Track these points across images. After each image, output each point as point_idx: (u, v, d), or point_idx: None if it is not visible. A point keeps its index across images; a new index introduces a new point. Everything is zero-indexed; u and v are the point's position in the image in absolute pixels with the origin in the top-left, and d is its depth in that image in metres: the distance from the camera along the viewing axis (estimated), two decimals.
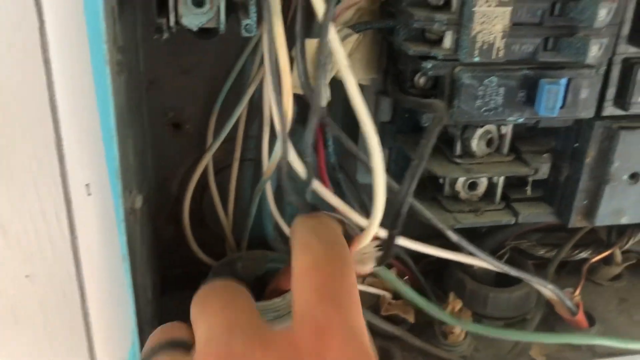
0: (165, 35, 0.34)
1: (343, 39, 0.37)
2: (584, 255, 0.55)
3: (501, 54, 0.34)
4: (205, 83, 0.45)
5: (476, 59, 0.34)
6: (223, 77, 0.45)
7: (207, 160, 0.47)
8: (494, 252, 0.52)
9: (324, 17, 0.27)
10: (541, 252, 0.54)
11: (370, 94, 0.42)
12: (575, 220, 0.42)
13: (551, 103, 0.35)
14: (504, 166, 0.40)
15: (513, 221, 0.42)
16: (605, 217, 0.41)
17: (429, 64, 0.35)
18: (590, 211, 0.41)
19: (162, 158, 0.47)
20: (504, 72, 0.35)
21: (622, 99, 0.38)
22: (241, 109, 0.45)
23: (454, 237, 0.39)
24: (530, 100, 0.36)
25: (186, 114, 0.46)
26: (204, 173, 0.47)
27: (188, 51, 0.44)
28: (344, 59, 0.28)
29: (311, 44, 0.36)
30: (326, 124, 0.32)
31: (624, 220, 0.41)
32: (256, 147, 0.47)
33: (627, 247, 0.55)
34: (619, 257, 0.56)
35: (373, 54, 0.40)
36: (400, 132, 0.43)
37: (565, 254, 0.54)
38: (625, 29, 0.36)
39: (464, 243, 0.38)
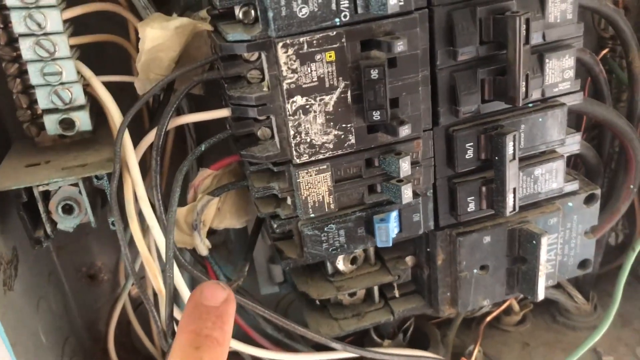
0: (45, 244, 0.39)
1: (206, 203, 0.43)
2: (485, 309, 0.61)
3: (332, 206, 0.40)
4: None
5: (312, 215, 0.40)
6: None
7: (124, 299, 0.52)
8: (400, 325, 0.58)
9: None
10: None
11: None
12: (445, 309, 0.48)
13: (384, 237, 0.41)
14: (370, 278, 0.46)
15: (391, 319, 0.48)
16: (467, 304, 0.47)
17: (275, 223, 0.40)
18: (454, 301, 0.47)
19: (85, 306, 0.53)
20: (340, 219, 0.40)
21: (453, 212, 0.44)
22: None
23: (337, 346, 0.45)
24: (370, 232, 0.42)
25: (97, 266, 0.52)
26: (124, 309, 0.53)
27: None
28: None
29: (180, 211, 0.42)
30: None
31: (485, 303, 0.48)
32: None
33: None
34: (516, 306, 0.62)
35: (242, 203, 0.46)
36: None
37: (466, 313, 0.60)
38: (441, 158, 0.42)
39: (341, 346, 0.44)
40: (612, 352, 0.60)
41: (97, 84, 0.39)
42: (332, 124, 0.37)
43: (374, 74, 0.35)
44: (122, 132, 0.38)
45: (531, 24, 0.37)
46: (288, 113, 0.36)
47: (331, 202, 0.40)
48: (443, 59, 0.39)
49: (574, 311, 0.63)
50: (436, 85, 0.39)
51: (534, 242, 0.44)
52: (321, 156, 0.38)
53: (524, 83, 0.38)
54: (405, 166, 0.38)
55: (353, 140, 0.38)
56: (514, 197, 0.41)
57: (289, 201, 0.40)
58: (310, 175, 0.38)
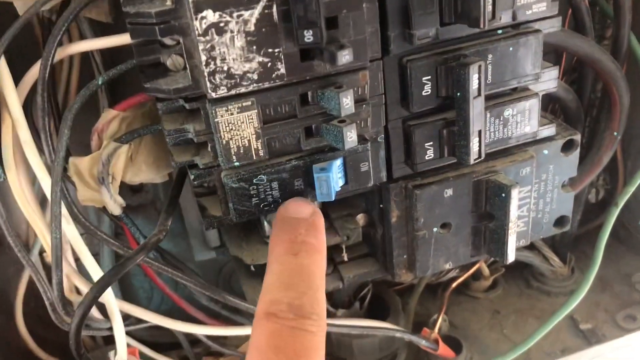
0: None
1: (113, 151, 0.36)
2: (451, 274, 0.55)
3: (262, 153, 0.33)
4: None
5: (236, 164, 0.33)
6: None
7: None
8: (357, 293, 0.52)
9: None
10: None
11: None
12: (401, 274, 0.42)
13: (325, 189, 0.34)
14: None
15: (340, 286, 0.42)
16: (427, 267, 0.41)
17: (192, 174, 0.34)
18: (411, 264, 0.41)
19: None
20: (272, 169, 0.34)
21: (409, 160, 0.37)
22: None
23: None
24: (310, 185, 0.35)
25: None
26: None
27: None
28: None
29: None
30: None
31: (448, 267, 0.41)
32: None
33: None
34: (486, 270, 0.56)
35: (161, 152, 0.39)
36: None
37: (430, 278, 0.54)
38: (393, 95, 0.35)
39: None
40: (590, 319, 0.54)
41: None
42: (254, 48, 0.30)
43: None
44: None
45: None
46: (197, 32, 0.29)
47: (259, 147, 0.33)
48: None
49: (550, 275, 0.58)
50: (385, 4, 0.32)
51: (503, 195, 0.37)
52: (243, 89, 0.31)
53: (490, 0, 0.31)
54: (347, 102, 0.31)
55: (283, 70, 0.31)
56: (480, 142, 0.35)
57: (208, 147, 0.33)
58: (231, 114, 0.31)
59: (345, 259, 0.42)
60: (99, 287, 0.34)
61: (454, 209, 0.39)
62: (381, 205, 0.40)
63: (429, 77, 0.34)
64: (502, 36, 0.35)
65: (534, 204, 0.42)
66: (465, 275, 0.54)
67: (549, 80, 0.39)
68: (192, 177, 0.34)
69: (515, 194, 0.37)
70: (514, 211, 0.38)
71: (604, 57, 0.43)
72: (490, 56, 0.35)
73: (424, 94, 0.35)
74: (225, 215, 0.35)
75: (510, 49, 0.35)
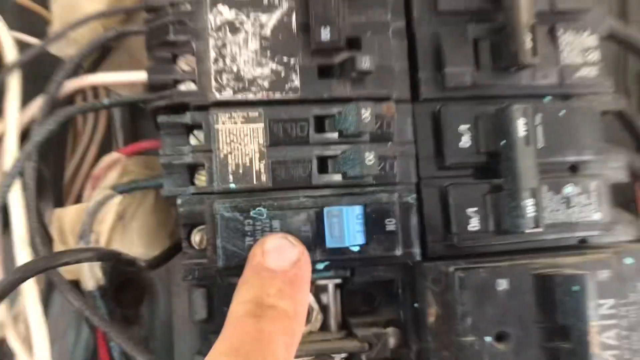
0: None
1: (102, 201, 0.31)
2: None
3: (264, 178, 0.28)
4: None
5: (233, 186, 0.28)
6: None
7: None
8: None
9: None
10: None
11: None
12: None
13: (337, 231, 0.27)
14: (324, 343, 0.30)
15: None
16: None
17: (181, 199, 0.28)
18: None
19: None
20: (274, 202, 0.28)
21: (448, 234, 0.30)
22: None
23: None
24: (321, 235, 0.28)
25: None
26: None
27: None
28: None
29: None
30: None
31: None
32: None
33: None
34: None
35: (160, 222, 0.34)
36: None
37: None
38: (426, 149, 0.30)
39: None
40: None
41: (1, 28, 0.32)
42: (268, 53, 0.28)
43: None
44: (8, 71, 0.30)
45: None
46: (210, 27, 0.28)
47: (262, 171, 0.28)
48: (421, 10, 0.30)
49: None
50: (414, 43, 0.30)
51: (574, 289, 0.28)
52: (251, 95, 0.28)
53: (529, 35, 0.29)
54: (365, 114, 0.27)
55: (297, 83, 0.28)
56: (537, 204, 0.28)
57: (204, 170, 0.28)
58: (235, 123, 0.28)
59: None
60: None
61: (512, 312, 0.29)
62: (415, 305, 0.31)
63: (467, 125, 0.30)
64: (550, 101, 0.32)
65: (624, 337, 0.31)
66: None
67: (617, 168, 0.33)
68: (179, 202, 0.28)
69: (592, 287, 0.28)
70: (594, 312, 0.28)
71: None
72: (540, 115, 0.31)
73: (460, 146, 0.30)
74: (210, 256, 0.28)
75: (561, 113, 0.31)
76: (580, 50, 0.32)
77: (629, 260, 0.32)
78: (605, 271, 0.31)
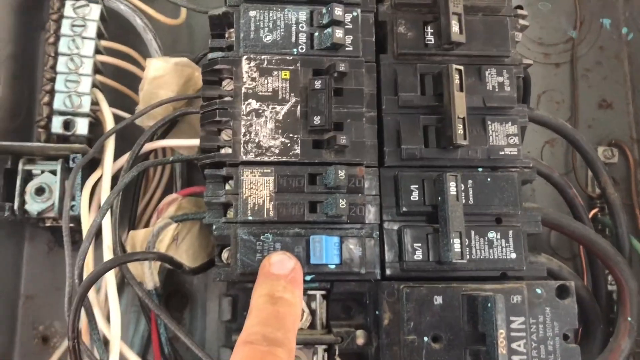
0: (5, 215, 0.43)
1: (163, 226, 0.45)
2: None
3: (272, 213, 0.41)
4: None
5: (250, 218, 0.41)
6: None
7: None
8: None
9: None
10: None
11: None
12: None
13: (318, 252, 0.40)
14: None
15: None
16: None
17: (215, 224, 0.42)
18: None
19: None
20: (277, 230, 0.41)
21: (401, 261, 0.42)
22: None
23: None
24: (309, 256, 0.41)
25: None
26: None
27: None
28: None
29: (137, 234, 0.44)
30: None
31: None
32: None
33: None
34: None
35: (202, 246, 0.48)
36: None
37: None
38: (389, 201, 0.43)
39: None
40: None
41: (105, 106, 0.47)
42: (280, 131, 0.42)
43: (317, 84, 0.42)
44: (107, 135, 0.45)
45: (464, 75, 0.43)
46: (242, 113, 0.42)
47: (271, 208, 0.41)
48: (388, 104, 0.44)
49: None
50: (382, 127, 0.44)
51: (489, 304, 0.40)
52: (266, 158, 0.42)
53: (460, 126, 0.42)
54: (341, 174, 0.40)
55: (298, 150, 0.42)
56: (461, 243, 0.40)
57: (232, 207, 0.42)
58: (255, 176, 0.41)
59: None
60: None
61: (445, 320, 0.41)
62: (377, 312, 0.43)
63: (417, 185, 0.43)
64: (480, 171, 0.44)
65: (534, 348, 0.42)
66: None
67: (533, 222, 0.45)
68: (213, 228, 0.42)
69: (501, 303, 0.39)
70: (501, 323, 0.39)
71: (601, 240, 0.48)
72: (470, 182, 0.43)
73: (412, 199, 0.43)
74: (233, 265, 0.41)
75: (488, 180, 0.44)
76: (505, 135, 0.44)
77: (539, 290, 0.43)
78: (518, 296, 0.42)
